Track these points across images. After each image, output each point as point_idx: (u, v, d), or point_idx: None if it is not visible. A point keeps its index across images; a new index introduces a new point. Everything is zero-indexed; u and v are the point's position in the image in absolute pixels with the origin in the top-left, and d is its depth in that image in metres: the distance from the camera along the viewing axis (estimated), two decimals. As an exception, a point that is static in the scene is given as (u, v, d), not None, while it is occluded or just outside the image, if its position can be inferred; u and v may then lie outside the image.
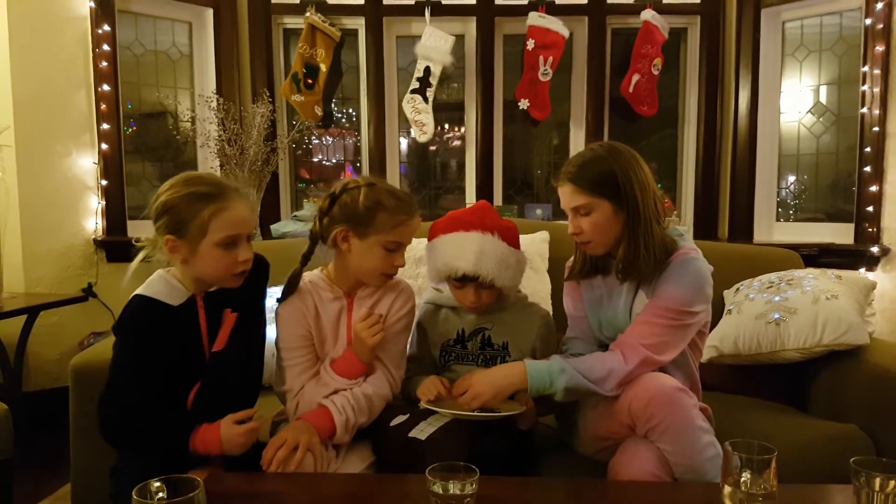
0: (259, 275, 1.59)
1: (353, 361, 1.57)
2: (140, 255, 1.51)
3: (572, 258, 1.77)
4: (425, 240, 1.75)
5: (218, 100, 3.41)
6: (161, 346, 1.44)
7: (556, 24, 3.46)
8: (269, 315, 1.68)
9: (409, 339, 1.75)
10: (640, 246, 1.56)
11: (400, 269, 1.62)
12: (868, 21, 3.16)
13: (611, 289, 1.68)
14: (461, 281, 1.64)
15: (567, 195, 1.62)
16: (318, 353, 1.63)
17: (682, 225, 3.56)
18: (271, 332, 1.66)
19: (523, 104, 3.54)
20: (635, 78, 3.53)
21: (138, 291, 1.48)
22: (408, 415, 1.56)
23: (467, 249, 1.60)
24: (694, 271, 1.56)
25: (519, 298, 1.78)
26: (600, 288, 1.71)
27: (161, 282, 1.49)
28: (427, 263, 1.72)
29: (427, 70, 3.53)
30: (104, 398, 1.44)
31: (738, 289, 2.23)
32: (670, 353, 1.55)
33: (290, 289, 1.62)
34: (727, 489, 1.09)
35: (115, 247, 3.33)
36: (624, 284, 1.64)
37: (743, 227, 3.59)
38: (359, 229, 1.54)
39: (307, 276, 1.66)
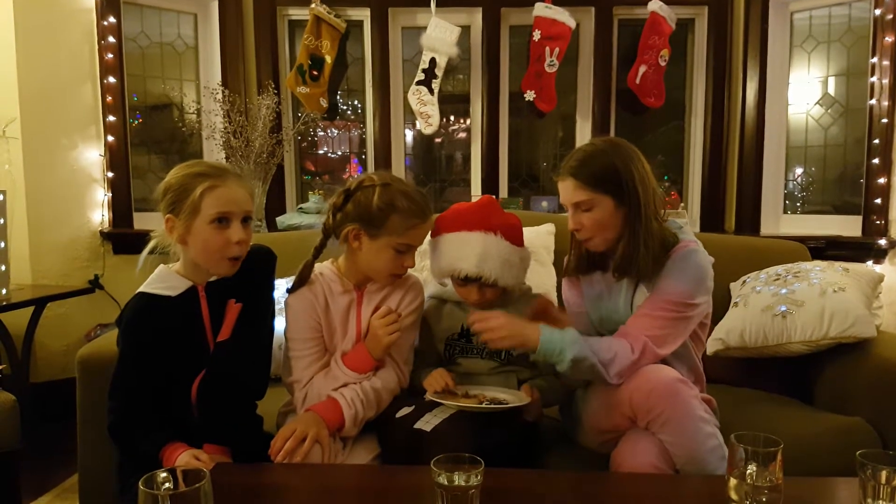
0: (264, 266, 1.60)
1: (365, 356, 1.57)
2: (149, 246, 1.53)
3: (569, 255, 1.76)
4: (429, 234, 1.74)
5: (223, 92, 3.41)
6: (162, 339, 1.45)
7: (562, 15, 3.44)
8: (278, 307, 1.69)
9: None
10: (639, 244, 1.56)
11: None
12: (877, 12, 3.14)
13: (610, 284, 1.68)
14: (464, 280, 1.64)
15: (569, 190, 1.60)
16: (327, 345, 1.64)
17: (685, 218, 3.54)
18: (279, 323, 1.66)
19: (529, 96, 3.52)
20: (642, 69, 3.51)
21: (140, 289, 1.50)
22: (413, 406, 1.56)
23: (470, 251, 1.59)
24: (695, 264, 1.56)
25: (524, 291, 1.78)
26: (599, 284, 1.71)
27: (160, 275, 1.51)
28: (430, 260, 1.71)
29: (432, 61, 3.51)
30: (110, 392, 1.46)
31: (744, 281, 2.22)
32: (671, 346, 1.55)
33: (302, 280, 1.63)
34: (732, 482, 1.09)
35: (122, 239, 3.34)
36: (623, 280, 1.64)
37: (750, 220, 3.58)
38: (370, 230, 1.54)
39: (318, 267, 1.66)
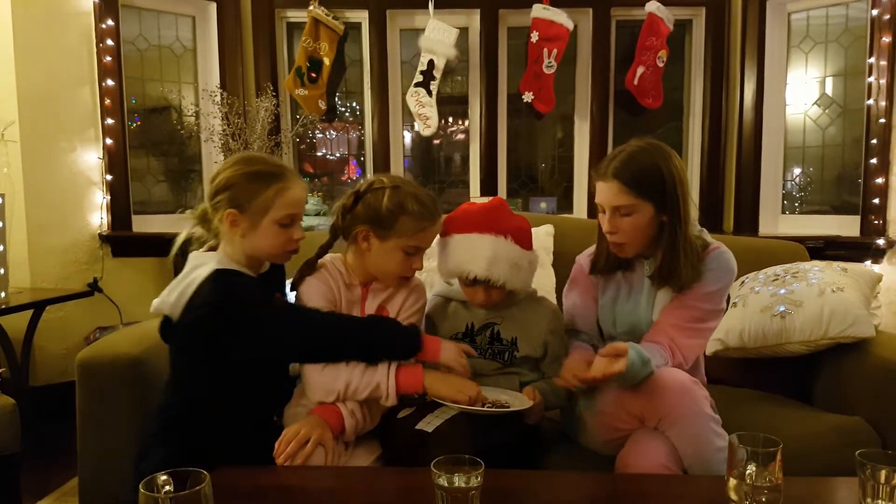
0: (279, 276, 1.65)
1: (418, 380, 1.51)
2: (187, 230, 1.55)
3: (592, 250, 1.76)
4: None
5: (222, 94, 3.41)
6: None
7: (560, 16, 3.45)
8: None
9: None
10: (679, 253, 1.57)
11: None
12: (874, 12, 3.14)
13: (631, 283, 1.69)
14: (472, 282, 1.64)
15: (611, 193, 1.56)
16: None
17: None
18: None
19: (527, 97, 3.53)
20: (640, 70, 3.52)
21: (216, 268, 1.45)
22: (414, 407, 1.56)
23: (480, 254, 1.59)
24: (727, 266, 1.62)
25: (529, 293, 1.78)
26: (619, 282, 1.71)
27: (224, 260, 1.49)
28: (438, 259, 1.71)
29: (431, 63, 3.52)
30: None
31: (743, 282, 2.22)
32: (693, 356, 1.62)
33: (304, 273, 1.63)
34: (732, 482, 1.09)
35: (121, 241, 3.34)
36: (647, 279, 1.65)
37: (748, 220, 3.58)
38: (380, 232, 1.55)
39: (328, 257, 1.67)
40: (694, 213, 1.62)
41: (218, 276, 1.42)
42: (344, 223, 1.60)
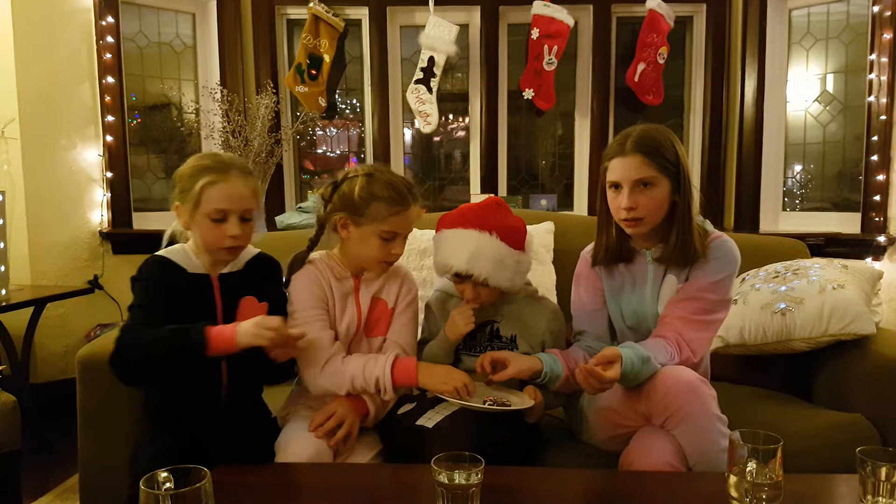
0: (276, 274, 1.65)
1: (412, 374, 1.55)
2: (167, 235, 1.60)
3: (592, 246, 1.76)
4: (433, 231, 1.75)
5: (222, 91, 3.40)
6: (174, 300, 1.47)
7: (560, 13, 3.44)
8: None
9: (419, 324, 1.79)
10: (690, 232, 1.59)
11: (406, 261, 1.63)
12: (875, 8, 3.14)
13: (634, 275, 1.69)
14: (458, 277, 1.65)
15: (632, 166, 1.56)
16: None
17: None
18: None
19: (528, 94, 3.52)
20: (640, 67, 3.51)
21: (158, 252, 1.53)
22: (415, 402, 1.56)
23: (462, 248, 1.60)
24: (731, 253, 1.62)
25: (529, 292, 1.78)
26: (623, 276, 1.71)
27: (179, 249, 1.55)
28: (433, 255, 1.73)
29: (431, 60, 3.51)
30: (118, 340, 1.44)
31: (743, 279, 2.22)
32: (703, 349, 1.61)
33: (293, 269, 1.65)
34: (732, 479, 1.09)
35: (121, 239, 3.34)
36: (650, 270, 1.65)
37: (749, 217, 3.58)
38: (355, 218, 1.58)
39: (317, 254, 1.69)
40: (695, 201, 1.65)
41: (151, 257, 1.52)
42: (325, 213, 1.63)
